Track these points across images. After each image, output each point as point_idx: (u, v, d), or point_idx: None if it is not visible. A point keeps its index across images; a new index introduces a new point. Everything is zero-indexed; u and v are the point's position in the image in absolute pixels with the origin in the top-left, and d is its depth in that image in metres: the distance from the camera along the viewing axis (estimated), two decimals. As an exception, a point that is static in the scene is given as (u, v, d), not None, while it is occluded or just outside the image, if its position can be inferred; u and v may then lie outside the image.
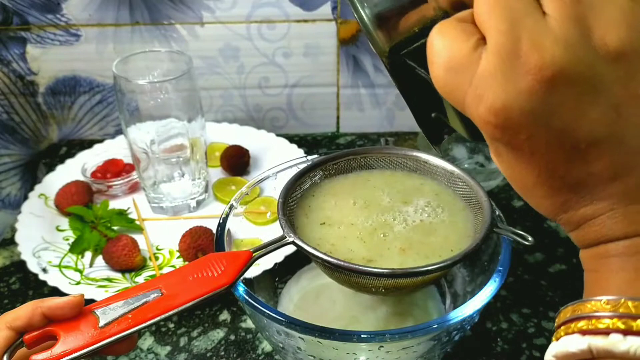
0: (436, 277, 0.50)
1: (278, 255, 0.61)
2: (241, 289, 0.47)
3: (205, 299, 0.40)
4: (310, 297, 0.60)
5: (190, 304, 0.39)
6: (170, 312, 0.39)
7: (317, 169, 0.55)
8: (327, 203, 0.53)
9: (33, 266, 0.66)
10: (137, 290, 0.40)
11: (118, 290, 0.64)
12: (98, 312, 0.39)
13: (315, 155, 0.60)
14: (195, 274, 0.41)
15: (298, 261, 0.62)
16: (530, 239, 0.46)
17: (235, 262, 0.42)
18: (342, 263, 0.44)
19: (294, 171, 0.56)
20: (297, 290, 0.61)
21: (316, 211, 0.53)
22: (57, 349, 0.36)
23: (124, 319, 0.38)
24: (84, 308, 0.39)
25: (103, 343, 0.37)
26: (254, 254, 0.43)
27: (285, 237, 0.46)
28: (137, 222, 0.74)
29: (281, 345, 0.49)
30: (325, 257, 0.44)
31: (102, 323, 0.38)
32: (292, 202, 0.52)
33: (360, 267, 0.43)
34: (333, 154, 0.56)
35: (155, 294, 0.40)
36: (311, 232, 0.50)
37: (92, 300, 0.61)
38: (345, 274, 0.46)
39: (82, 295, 0.39)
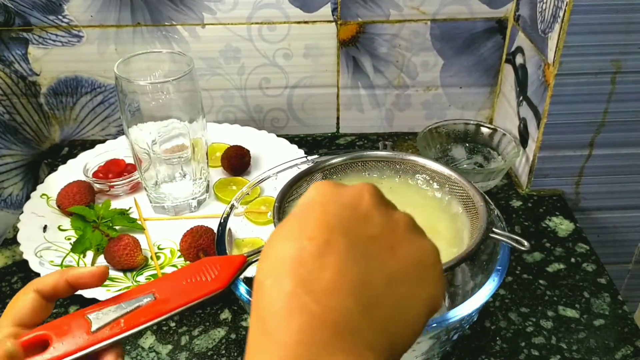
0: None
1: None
2: (242, 288, 0.47)
3: (198, 303, 0.40)
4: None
5: (182, 308, 0.39)
6: (163, 317, 0.39)
7: (314, 173, 0.55)
8: None
9: (35, 266, 0.66)
10: (130, 294, 0.40)
11: (120, 290, 0.64)
12: (91, 316, 0.39)
13: (315, 156, 0.60)
14: (189, 279, 0.41)
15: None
16: (526, 244, 0.46)
17: (229, 267, 0.42)
18: None
19: (294, 171, 0.57)
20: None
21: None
22: (48, 354, 0.37)
23: (116, 323, 0.38)
24: (77, 312, 0.39)
25: (94, 348, 0.37)
26: (248, 259, 0.43)
27: None
28: (139, 222, 0.75)
29: (282, 343, 0.49)
30: None
31: (94, 327, 0.38)
32: (289, 206, 0.52)
33: None
34: (330, 158, 0.56)
35: (148, 298, 0.40)
36: None
37: (94, 300, 0.62)
38: None
39: (107, 266, 0.41)
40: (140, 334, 0.62)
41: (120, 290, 0.64)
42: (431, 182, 0.56)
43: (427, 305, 0.30)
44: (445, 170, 0.54)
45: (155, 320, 0.39)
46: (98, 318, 0.39)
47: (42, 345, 0.38)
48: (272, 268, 0.29)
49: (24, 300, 0.39)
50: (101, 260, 0.69)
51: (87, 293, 0.63)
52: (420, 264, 0.31)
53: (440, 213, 0.55)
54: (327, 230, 0.29)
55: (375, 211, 0.31)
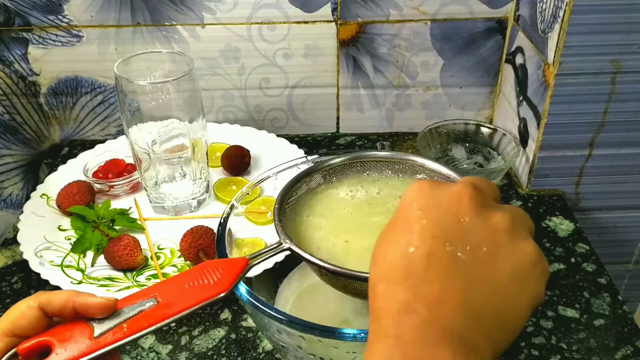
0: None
1: (278, 255, 0.61)
2: (242, 288, 0.47)
3: (201, 307, 0.39)
4: (306, 296, 0.60)
5: (186, 312, 0.39)
6: (166, 321, 0.38)
7: (313, 175, 0.55)
8: (323, 210, 0.53)
9: (35, 265, 0.66)
10: (133, 298, 0.40)
11: (119, 290, 0.64)
12: (93, 321, 0.39)
13: (315, 156, 0.60)
14: (192, 282, 0.40)
15: (298, 260, 0.62)
16: None
17: (232, 270, 0.42)
18: (339, 269, 0.44)
19: (294, 171, 0.57)
20: (292, 291, 0.61)
21: (312, 218, 0.53)
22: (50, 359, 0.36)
23: (119, 328, 0.38)
24: (79, 317, 0.39)
25: (97, 353, 0.37)
26: (250, 261, 0.43)
27: (282, 244, 0.46)
28: (139, 222, 0.75)
29: (282, 344, 0.49)
30: (322, 264, 0.44)
31: (97, 333, 0.38)
32: (289, 208, 0.52)
33: (357, 273, 0.43)
34: (329, 159, 0.56)
35: (151, 303, 0.39)
36: (308, 240, 0.50)
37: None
38: (342, 280, 0.46)
39: (116, 299, 0.40)
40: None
41: (120, 290, 0.64)
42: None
43: (530, 304, 0.32)
44: (445, 170, 0.54)
45: (158, 325, 0.38)
46: (101, 323, 0.38)
47: (44, 351, 0.38)
48: (384, 274, 0.32)
49: (25, 314, 0.38)
50: (101, 260, 0.69)
51: (87, 293, 0.63)
52: (521, 267, 0.32)
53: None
54: (429, 239, 0.31)
55: (475, 217, 0.32)
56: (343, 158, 0.56)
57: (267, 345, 0.61)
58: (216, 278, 0.41)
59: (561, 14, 0.68)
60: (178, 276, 0.41)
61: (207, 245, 0.67)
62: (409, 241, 0.32)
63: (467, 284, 0.30)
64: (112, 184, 0.80)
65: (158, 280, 0.67)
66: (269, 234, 0.62)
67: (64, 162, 0.84)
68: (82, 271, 0.67)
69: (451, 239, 0.31)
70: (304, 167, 0.56)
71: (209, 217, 0.76)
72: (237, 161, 0.82)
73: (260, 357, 0.60)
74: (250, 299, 0.47)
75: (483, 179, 0.36)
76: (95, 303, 0.39)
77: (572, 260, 0.71)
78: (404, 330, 0.29)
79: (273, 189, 0.59)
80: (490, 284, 0.31)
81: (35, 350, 0.38)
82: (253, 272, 0.58)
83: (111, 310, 0.39)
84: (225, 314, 0.65)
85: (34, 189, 0.79)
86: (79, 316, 0.39)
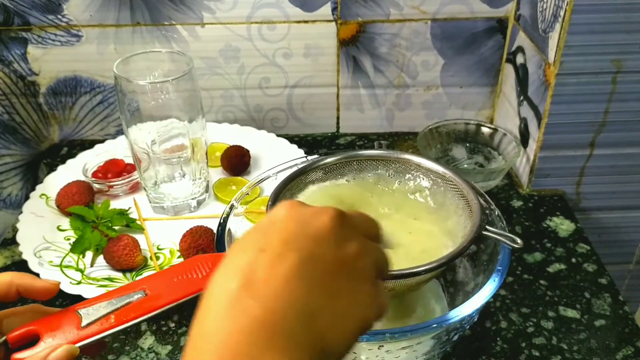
0: (427, 280, 0.51)
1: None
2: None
3: (188, 299, 0.40)
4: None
5: (172, 304, 0.40)
6: (153, 313, 0.40)
7: (308, 173, 0.55)
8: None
9: (34, 266, 0.66)
10: (122, 290, 0.41)
11: (119, 290, 0.64)
12: (82, 312, 0.40)
13: (315, 156, 0.60)
14: (180, 276, 0.42)
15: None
16: (519, 241, 0.46)
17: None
18: None
19: (294, 171, 0.56)
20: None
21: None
22: (39, 348, 0.37)
23: (106, 319, 0.39)
24: (68, 308, 0.40)
25: (84, 343, 0.38)
26: None
27: None
28: (138, 222, 0.75)
29: (281, 344, 0.49)
30: None
31: (84, 323, 0.39)
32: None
33: None
34: (324, 158, 0.56)
35: (139, 295, 0.40)
36: None
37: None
38: None
39: (59, 283, 0.41)
40: (139, 334, 0.62)
41: (119, 290, 0.64)
42: (427, 180, 0.56)
43: (359, 325, 0.33)
44: (440, 169, 0.53)
45: (145, 316, 0.39)
46: (88, 314, 0.39)
47: (32, 339, 0.38)
48: (224, 273, 0.31)
49: None
50: (100, 261, 0.69)
51: (86, 294, 0.63)
52: (357, 289, 0.33)
53: (435, 212, 0.55)
54: (282, 244, 0.32)
55: (330, 234, 0.33)
56: (338, 157, 0.56)
57: (266, 345, 0.61)
58: (205, 272, 0.42)
59: (562, 13, 0.68)
60: (167, 270, 0.43)
61: (206, 245, 0.67)
62: (259, 244, 0.32)
63: (306, 288, 0.31)
64: (111, 184, 0.79)
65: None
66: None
67: (63, 162, 0.84)
68: (82, 271, 0.67)
69: (302, 246, 0.32)
70: (294, 171, 0.56)
71: (209, 217, 0.76)
72: (236, 161, 0.82)
73: (260, 357, 0.60)
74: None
75: (370, 218, 0.37)
76: (38, 286, 0.40)
77: (573, 260, 0.71)
78: (231, 330, 0.29)
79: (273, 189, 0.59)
80: (326, 293, 0.32)
81: (24, 339, 0.38)
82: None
83: (54, 294, 0.41)
84: (225, 315, 0.64)
85: (33, 189, 0.79)
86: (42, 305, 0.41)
